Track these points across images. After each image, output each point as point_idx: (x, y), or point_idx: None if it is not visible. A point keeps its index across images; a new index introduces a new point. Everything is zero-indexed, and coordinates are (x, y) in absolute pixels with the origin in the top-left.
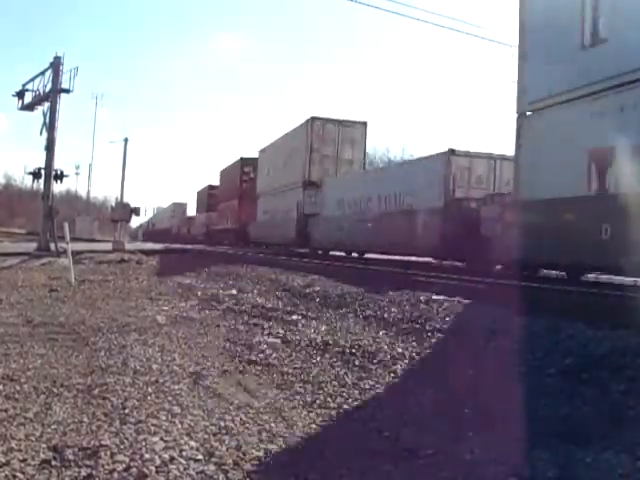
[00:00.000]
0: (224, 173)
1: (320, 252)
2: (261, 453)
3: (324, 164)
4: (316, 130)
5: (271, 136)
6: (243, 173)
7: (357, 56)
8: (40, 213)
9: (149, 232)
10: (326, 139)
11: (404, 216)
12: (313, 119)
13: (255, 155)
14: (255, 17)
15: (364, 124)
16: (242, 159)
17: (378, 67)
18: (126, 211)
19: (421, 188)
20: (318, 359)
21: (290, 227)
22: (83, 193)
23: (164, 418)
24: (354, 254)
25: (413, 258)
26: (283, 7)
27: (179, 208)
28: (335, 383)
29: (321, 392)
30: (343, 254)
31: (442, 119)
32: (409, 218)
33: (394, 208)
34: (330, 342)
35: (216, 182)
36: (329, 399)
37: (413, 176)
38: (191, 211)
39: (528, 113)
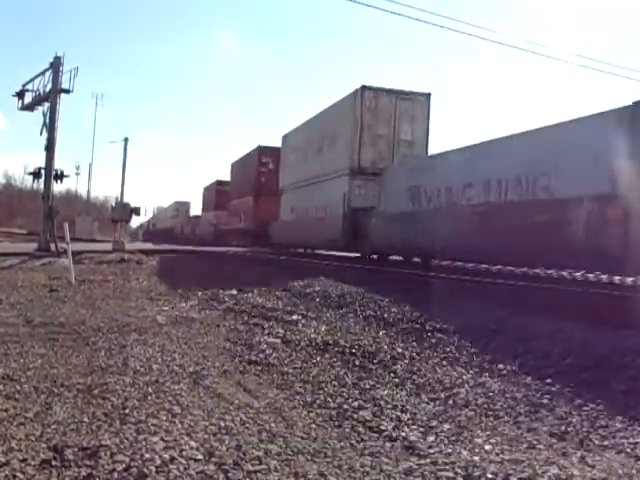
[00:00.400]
0: (237, 166)
1: (375, 257)
2: (261, 453)
3: (377, 146)
4: (367, 103)
5: (274, 133)
6: (260, 164)
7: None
8: (40, 213)
9: (150, 232)
10: (380, 115)
11: (540, 208)
12: (364, 89)
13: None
14: (256, 17)
15: (427, 96)
16: (260, 147)
17: (378, 65)
18: (126, 211)
19: (573, 164)
20: (318, 359)
21: (333, 226)
22: (83, 193)
23: (164, 418)
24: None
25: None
26: (284, 7)
27: (182, 207)
28: (335, 383)
29: (321, 392)
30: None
31: (443, 117)
32: (552, 210)
33: (517, 196)
34: (330, 342)
35: (221, 179)
36: (329, 399)
37: (555, 148)
38: (195, 210)
39: None
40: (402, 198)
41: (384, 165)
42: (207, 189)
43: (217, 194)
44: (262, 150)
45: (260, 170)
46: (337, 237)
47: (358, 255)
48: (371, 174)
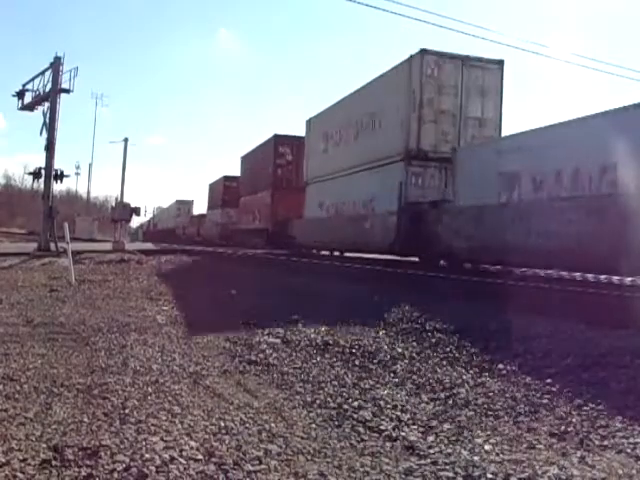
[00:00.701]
0: (248, 159)
1: (443, 263)
2: (261, 453)
3: (440, 124)
4: (427, 71)
5: (274, 132)
6: (278, 156)
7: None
8: (40, 213)
9: (150, 233)
10: (443, 86)
11: None
12: (424, 53)
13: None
14: (257, 16)
15: (500, 64)
16: (276, 137)
17: (378, 65)
18: (126, 211)
19: None
20: (318, 359)
21: (382, 225)
22: (83, 193)
23: (164, 418)
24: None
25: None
26: (284, 7)
27: (185, 206)
28: (335, 383)
29: (321, 392)
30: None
31: None
32: None
33: None
34: (330, 342)
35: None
36: (329, 399)
37: None
38: (198, 210)
39: None
40: (491, 187)
41: (448, 148)
42: (213, 185)
43: (225, 190)
44: (279, 139)
45: (277, 163)
46: (389, 238)
47: (415, 261)
48: (433, 159)
